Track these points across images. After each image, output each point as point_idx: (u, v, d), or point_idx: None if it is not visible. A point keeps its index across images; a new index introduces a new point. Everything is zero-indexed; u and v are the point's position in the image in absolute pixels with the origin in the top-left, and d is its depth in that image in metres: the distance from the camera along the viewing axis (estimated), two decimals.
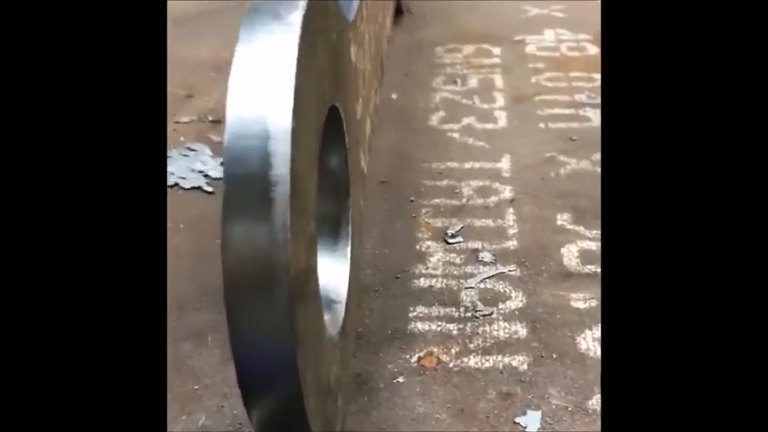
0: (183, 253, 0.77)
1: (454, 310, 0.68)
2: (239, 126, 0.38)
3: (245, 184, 0.38)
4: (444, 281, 0.72)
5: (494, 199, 0.83)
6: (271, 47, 0.40)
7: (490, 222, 0.79)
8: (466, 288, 0.71)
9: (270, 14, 0.42)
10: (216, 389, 0.62)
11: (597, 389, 0.59)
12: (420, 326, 0.67)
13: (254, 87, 0.39)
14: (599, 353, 0.62)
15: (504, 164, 0.89)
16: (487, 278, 0.72)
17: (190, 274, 0.73)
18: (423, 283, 0.71)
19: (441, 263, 0.74)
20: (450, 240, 0.77)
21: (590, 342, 0.64)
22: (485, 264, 0.73)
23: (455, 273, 0.73)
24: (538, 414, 0.58)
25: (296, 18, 0.41)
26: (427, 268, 0.73)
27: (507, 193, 0.84)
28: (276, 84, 0.39)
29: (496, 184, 0.85)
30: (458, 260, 0.74)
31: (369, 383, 0.61)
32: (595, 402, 0.58)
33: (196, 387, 0.62)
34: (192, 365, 0.64)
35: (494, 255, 0.74)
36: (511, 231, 0.77)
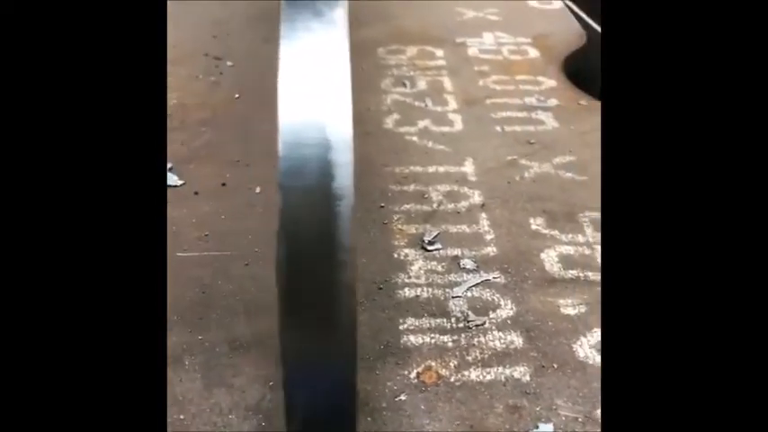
0: None
1: (445, 320, 0.66)
2: (294, 134, 0.35)
3: (303, 198, 0.34)
4: (430, 290, 0.69)
5: (464, 204, 0.81)
6: (318, 47, 0.36)
7: (465, 228, 0.77)
8: (453, 297, 0.68)
9: (309, 10, 0.38)
10: (204, 418, 0.57)
11: None
12: (413, 339, 0.64)
13: (306, 92, 0.35)
14: (598, 360, 0.62)
15: (468, 168, 0.88)
16: (473, 286, 0.70)
17: None
18: (408, 293, 0.69)
19: (422, 271, 0.71)
20: (429, 248, 0.74)
21: (587, 349, 0.63)
22: (468, 271, 0.72)
23: (439, 281, 0.70)
24: (550, 427, 0.56)
25: (339, 15, 0.38)
26: (410, 277, 0.71)
27: (477, 197, 0.82)
28: (331, 88, 0.35)
29: (464, 189, 0.84)
30: (439, 268, 0.72)
31: (369, 403, 0.58)
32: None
33: (182, 417, 0.57)
34: (174, 392, 0.58)
35: (475, 261, 0.73)
36: (488, 237, 0.76)
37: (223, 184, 0.84)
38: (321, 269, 0.34)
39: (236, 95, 1.04)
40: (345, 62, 0.36)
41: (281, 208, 0.34)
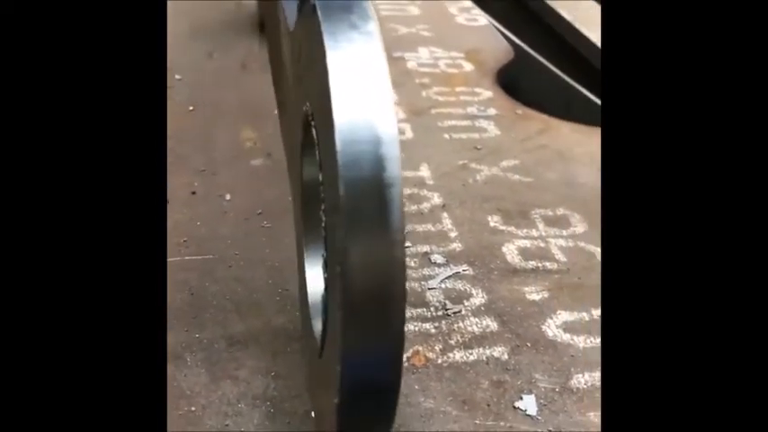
0: None
1: (425, 310, 0.71)
2: (350, 132, 0.39)
3: (361, 186, 0.39)
4: (407, 284, 0.74)
5: (426, 205, 0.87)
6: (360, 56, 0.41)
7: (431, 227, 0.83)
8: (429, 289, 0.74)
9: (346, 23, 0.43)
10: (214, 408, 0.60)
11: (573, 369, 0.65)
12: None
13: (355, 95, 0.40)
14: (566, 338, 0.69)
15: (425, 172, 0.94)
16: (446, 278, 0.76)
17: None
18: None
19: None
20: None
21: (555, 329, 0.70)
22: (439, 265, 0.77)
23: (414, 275, 0.76)
24: (532, 397, 0.62)
25: (373, 27, 0.43)
26: None
27: (437, 199, 0.89)
28: (376, 91, 0.40)
29: (424, 191, 0.90)
30: (412, 263, 0.77)
31: None
32: (576, 382, 0.64)
33: (193, 408, 0.59)
34: (181, 387, 0.61)
35: (444, 256, 0.78)
36: (452, 234, 0.82)
37: (193, 193, 0.86)
38: (377, 246, 0.39)
39: (191, 108, 1.06)
40: (385, 69, 0.41)
41: (341, 195, 0.39)
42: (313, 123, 0.48)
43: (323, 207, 0.45)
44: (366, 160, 0.39)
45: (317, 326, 0.55)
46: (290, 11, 0.66)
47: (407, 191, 0.89)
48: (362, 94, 0.40)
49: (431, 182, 0.92)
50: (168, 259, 0.75)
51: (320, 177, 0.46)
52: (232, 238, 0.79)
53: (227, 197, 0.86)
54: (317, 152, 0.47)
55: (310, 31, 0.46)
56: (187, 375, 0.62)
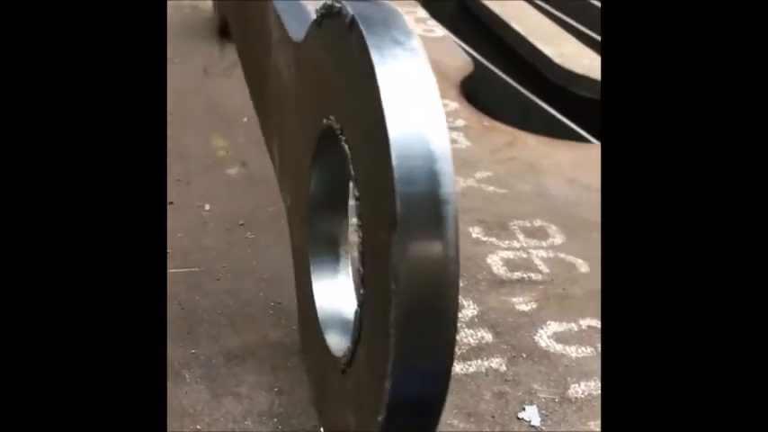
0: None
1: None
2: (404, 148, 0.39)
3: (417, 202, 0.38)
4: None
5: None
6: (408, 71, 0.41)
7: None
8: None
9: (389, 39, 0.42)
10: (220, 426, 0.58)
11: (569, 379, 0.67)
12: None
13: (407, 111, 0.40)
14: (558, 348, 0.70)
15: None
16: None
17: None
18: None
19: None
20: None
21: (546, 340, 0.71)
22: None
23: None
24: (534, 408, 0.63)
25: (416, 44, 0.43)
26: None
27: None
28: (427, 107, 0.40)
29: None
30: None
31: None
32: (573, 392, 0.65)
33: (198, 427, 0.58)
34: (183, 405, 0.59)
35: None
36: None
37: (170, 203, 0.84)
38: (433, 263, 0.39)
39: None
40: (434, 84, 0.41)
41: (398, 211, 0.38)
42: (343, 138, 0.47)
43: (359, 223, 0.45)
44: (421, 176, 0.39)
45: (334, 341, 0.55)
46: (293, 22, 0.65)
47: None
48: (414, 109, 0.40)
49: None
50: None
51: (355, 192, 0.45)
52: (216, 249, 0.77)
53: (207, 207, 0.84)
54: (349, 167, 0.46)
55: (344, 45, 0.45)
56: (188, 392, 0.60)
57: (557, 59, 1.44)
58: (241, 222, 0.81)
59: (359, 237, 0.45)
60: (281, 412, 0.59)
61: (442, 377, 0.41)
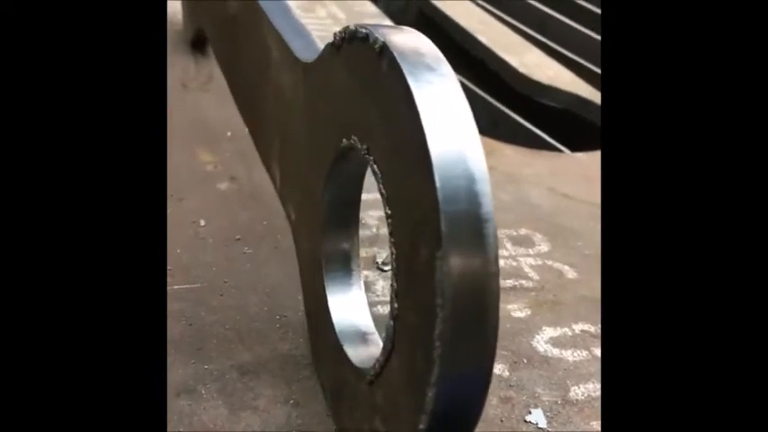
0: None
1: None
2: (446, 170, 0.41)
3: (460, 220, 0.41)
4: None
5: None
6: (443, 97, 0.43)
7: None
8: None
9: (423, 66, 0.44)
10: None
11: (569, 382, 0.69)
12: None
13: (446, 134, 0.42)
14: (555, 353, 0.73)
15: None
16: None
17: None
18: (381, 310, 0.75)
19: (387, 290, 0.78)
20: (384, 268, 0.81)
21: (543, 345, 0.74)
22: None
23: None
24: (539, 411, 0.66)
25: (448, 70, 0.45)
26: (378, 296, 0.77)
27: None
28: (464, 130, 0.42)
29: None
30: None
31: None
32: (574, 394, 0.68)
33: None
34: (202, 421, 0.60)
35: None
36: None
37: None
38: (477, 279, 0.41)
39: None
40: (467, 107, 0.43)
41: (443, 230, 0.40)
42: (371, 158, 0.49)
43: (391, 239, 0.47)
44: (463, 196, 0.41)
45: (354, 353, 0.57)
46: (296, 42, 0.67)
47: (378, 212, 0.92)
48: (452, 132, 0.42)
49: None
50: None
51: (387, 210, 0.47)
52: (216, 265, 0.78)
53: (202, 223, 0.84)
54: (379, 187, 0.48)
55: (372, 70, 0.47)
56: (206, 408, 0.61)
57: (522, 69, 1.48)
58: (238, 237, 0.82)
59: (391, 253, 0.47)
60: (300, 423, 0.61)
61: (483, 385, 0.43)
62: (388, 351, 0.48)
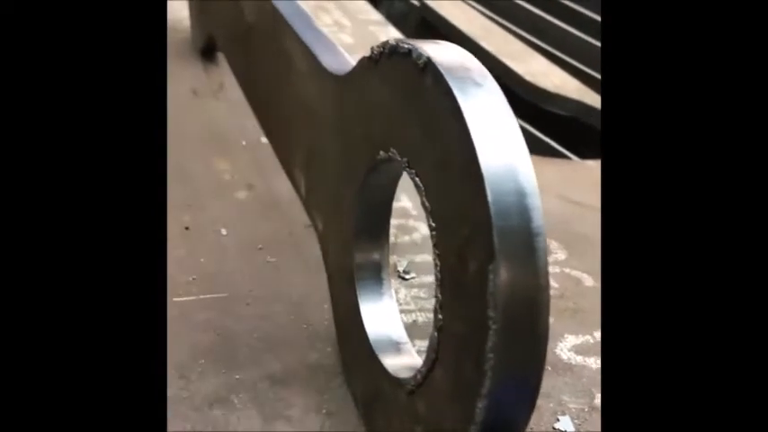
0: None
1: None
2: (497, 185, 0.42)
3: (512, 235, 0.41)
4: (422, 314, 0.77)
5: (417, 235, 0.90)
6: (491, 113, 0.44)
7: (427, 257, 0.86)
8: None
9: (471, 82, 0.45)
10: None
11: (593, 390, 0.70)
12: None
13: (496, 150, 0.43)
14: (579, 360, 0.74)
15: (406, 202, 0.97)
16: None
17: (173, 339, 0.68)
18: (406, 318, 0.76)
19: (410, 298, 0.79)
20: (406, 277, 0.82)
21: (567, 353, 0.75)
22: None
23: (427, 306, 0.78)
24: (567, 418, 0.67)
25: (493, 85, 0.46)
26: (401, 305, 0.78)
27: (424, 229, 0.92)
28: (513, 146, 0.43)
29: (411, 222, 0.93)
30: (422, 294, 0.80)
31: None
32: (599, 401, 0.69)
33: None
34: (237, 431, 0.60)
35: None
36: None
37: (186, 228, 0.85)
38: (529, 291, 0.42)
39: None
40: (515, 123, 0.44)
41: (495, 242, 0.41)
42: (413, 171, 0.50)
43: (436, 251, 0.48)
44: (515, 211, 0.42)
45: (391, 363, 0.57)
46: (325, 54, 0.68)
47: (395, 221, 0.92)
48: (502, 148, 0.43)
49: (414, 212, 0.95)
50: (184, 298, 0.74)
51: (431, 223, 0.48)
52: (240, 273, 0.78)
53: (223, 232, 0.85)
54: (422, 200, 0.49)
55: (415, 85, 0.48)
56: (240, 419, 0.61)
57: (528, 77, 1.50)
58: (260, 246, 0.83)
59: (435, 265, 0.48)
60: None
61: (531, 395, 0.44)
62: (432, 361, 0.49)
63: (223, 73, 1.23)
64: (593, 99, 1.44)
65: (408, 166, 0.51)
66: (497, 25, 1.79)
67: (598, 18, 1.79)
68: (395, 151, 0.53)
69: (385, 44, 0.52)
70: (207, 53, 1.30)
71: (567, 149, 1.31)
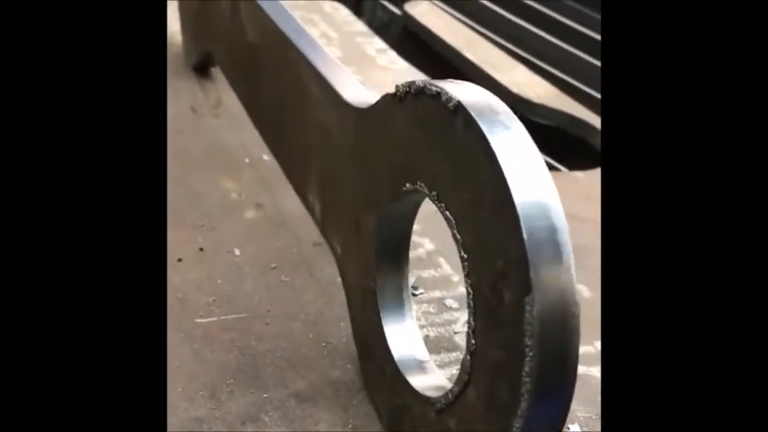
0: (183, 336, 0.74)
1: (460, 353, 0.78)
2: (532, 223, 0.45)
3: (546, 270, 0.45)
4: (434, 329, 0.81)
5: (422, 251, 0.94)
6: (521, 154, 0.48)
7: (434, 272, 0.90)
8: (455, 333, 0.81)
9: (500, 126, 0.49)
10: None
11: (599, 398, 0.75)
12: (445, 372, 0.75)
13: (528, 190, 0.46)
14: (582, 369, 0.78)
15: None
16: (466, 322, 0.83)
17: (200, 360, 0.71)
18: None
19: (420, 313, 0.83)
20: (416, 293, 0.86)
21: None
22: (454, 309, 0.84)
23: (437, 321, 0.82)
24: (577, 426, 0.71)
25: (519, 125, 0.50)
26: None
27: (428, 244, 0.95)
28: (542, 185, 0.47)
29: (415, 237, 0.96)
30: (432, 309, 0.84)
31: None
32: None
33: None
34: None
35: (456, 300, 0.85)
36: (455, 279, 0.89)
37: (201, 249, 0.87)
38: (563, 322, 0.46)
39: None
40: (543, 162, 0.48)
41: (531, 276, 0.45)
42: (443, 205, 0.53)
43: (468, 281, 0.51)
44: (548, 247, 0.46)
45: (417, 382, 0.61)
46: (343, 86, 0.71)
47: None
48: (534, 187, 0.47)
49: (417, 227, 0.98)
50: (207, 319, 0.77)
51: (462, 254, 0.52)
52: (257, 294, 0.81)
53: (237, 252, 0.88)
54: (453, 232, 0.52)
55: (445, 126, 0.51)
56: None
57: (513, 89, 1.54)
58: (273, 266, 0.86)
59: (468, 293, 0.52)
60: None
61: (563, 414, 0.48)
62: (464, 383, 0.53)
63: (220, 88, 1.25)
64: (577, 109, 1.49)
65: (438, 200, 0.54)
66: (477, 34, 1.83)
67: (579, 27, 1.85)
68: (422, 185, 0.56)
69: (411, 84, 0.56)
70: (201, 69, 1.32)
71: (554, 160, 1.35)
